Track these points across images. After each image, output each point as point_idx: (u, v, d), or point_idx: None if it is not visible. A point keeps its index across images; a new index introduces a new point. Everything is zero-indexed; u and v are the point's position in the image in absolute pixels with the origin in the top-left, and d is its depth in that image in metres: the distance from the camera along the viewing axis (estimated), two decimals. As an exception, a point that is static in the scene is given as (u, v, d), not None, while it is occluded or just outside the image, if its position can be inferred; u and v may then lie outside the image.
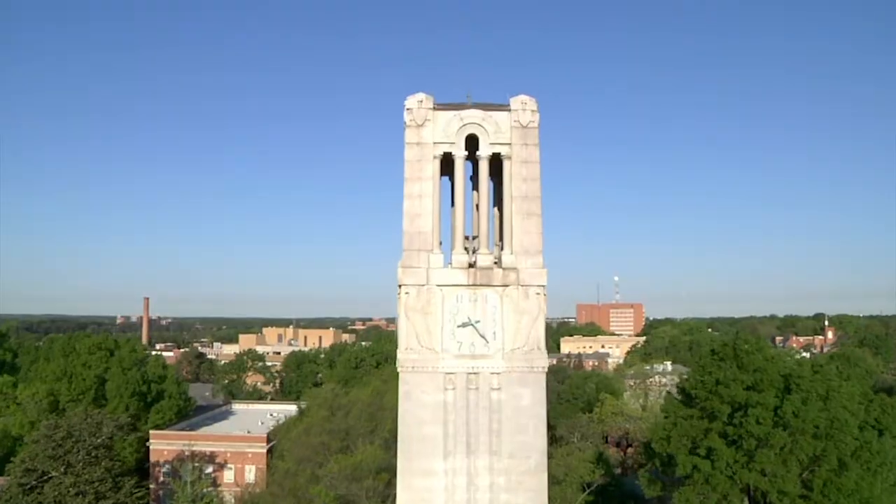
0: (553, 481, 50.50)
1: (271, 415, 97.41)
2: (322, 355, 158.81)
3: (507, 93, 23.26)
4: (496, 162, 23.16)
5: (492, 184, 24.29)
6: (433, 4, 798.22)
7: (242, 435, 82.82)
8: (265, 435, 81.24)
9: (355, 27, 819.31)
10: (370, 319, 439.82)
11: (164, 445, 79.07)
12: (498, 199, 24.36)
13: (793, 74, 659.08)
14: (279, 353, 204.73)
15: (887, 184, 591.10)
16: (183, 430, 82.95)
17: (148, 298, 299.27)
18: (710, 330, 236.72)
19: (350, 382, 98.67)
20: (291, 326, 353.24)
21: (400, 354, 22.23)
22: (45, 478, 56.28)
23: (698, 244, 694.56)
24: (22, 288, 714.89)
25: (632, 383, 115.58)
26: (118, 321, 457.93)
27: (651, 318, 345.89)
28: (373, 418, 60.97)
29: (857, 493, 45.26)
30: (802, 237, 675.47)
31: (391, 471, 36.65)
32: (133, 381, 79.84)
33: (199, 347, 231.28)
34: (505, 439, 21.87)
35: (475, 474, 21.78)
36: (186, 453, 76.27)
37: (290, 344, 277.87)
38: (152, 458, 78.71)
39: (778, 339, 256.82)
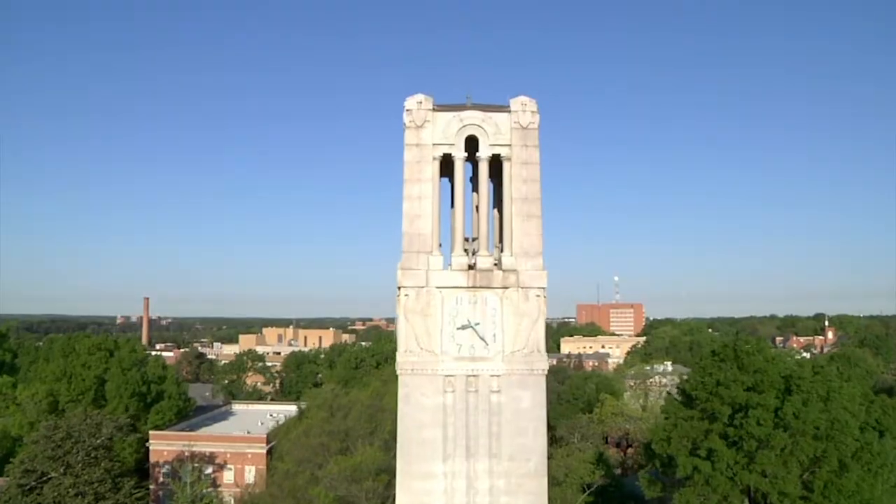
0: (553, 482, 50.51)
1: (271, 415, 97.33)
2: (322, 355, 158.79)
3: (507, 93, 23.20)
4: (496, 163, 23.02)
5: (491, 185, 24.15)
6: (433, 4, 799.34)
7: (242, 435, 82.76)
8: (265, 435, 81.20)
9: (355, 27, 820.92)
10: (370, 320, 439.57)
11: (163, 446, 79.05)
12: (498, 201, 24.23)
13: (793, 74, 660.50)
14: (279, 354, 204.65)
15: (887, 184, 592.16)
16: (183, 430, 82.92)
17: (148, 298, 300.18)
18: (710, 330, 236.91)
19: (350, 383, 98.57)
20: (291, 327, 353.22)
21: (399, 357, 22.09)
22: (45, 478, 56.27)
23: (698, 244, 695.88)
24: (22, 288, 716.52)
25: (632, 384, 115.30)
26: (118, 321, 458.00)
27: (651, 319, 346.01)
28: (372, 419, 60.79)
29: (858, 494, 45.16)
30: (802, 237, 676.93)
31: (391, 472, 36.50)
32: (133, 382, 79.79)
33: (199, 347, 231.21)
34: (505, 442, 21.73)
35: (475, 477, 21.65)
36: (186, 454, 76.23)
37: (290, 344, 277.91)
38: (152, 459, 78.70)
39: (778, 339, 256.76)
